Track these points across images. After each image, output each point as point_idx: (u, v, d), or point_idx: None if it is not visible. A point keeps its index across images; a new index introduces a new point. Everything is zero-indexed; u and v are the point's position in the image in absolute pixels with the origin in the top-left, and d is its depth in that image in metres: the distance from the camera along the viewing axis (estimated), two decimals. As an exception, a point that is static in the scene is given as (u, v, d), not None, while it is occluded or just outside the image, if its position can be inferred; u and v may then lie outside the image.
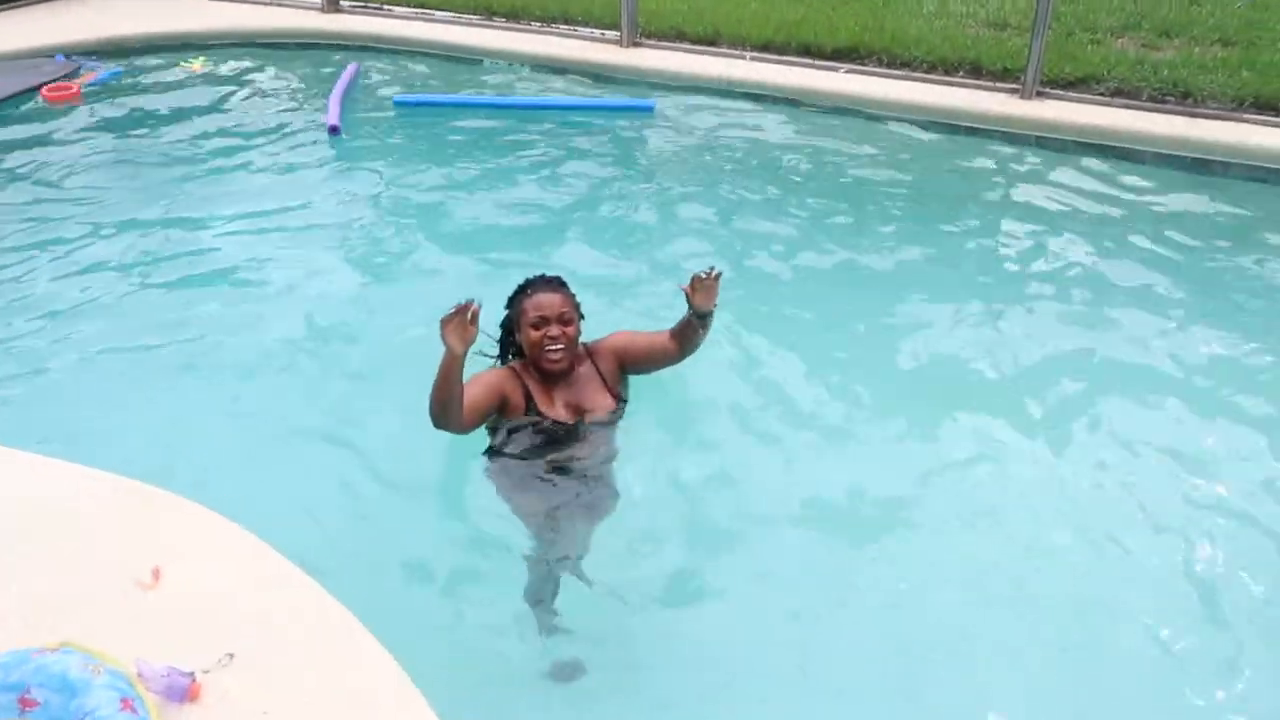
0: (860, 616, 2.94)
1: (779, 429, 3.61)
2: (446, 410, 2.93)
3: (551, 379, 3.18)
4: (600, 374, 3.27)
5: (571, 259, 4.58)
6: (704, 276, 3.11)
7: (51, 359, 3.98)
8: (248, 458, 3.43)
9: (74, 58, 7.50)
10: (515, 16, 8.50)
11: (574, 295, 3.25)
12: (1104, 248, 5.03)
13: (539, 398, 3.17)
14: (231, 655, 2.11)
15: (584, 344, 3.30)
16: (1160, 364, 4.07)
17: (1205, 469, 3.47)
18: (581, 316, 3.24)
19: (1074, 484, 3.41)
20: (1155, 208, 5.47)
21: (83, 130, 6.34)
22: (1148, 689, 2.73)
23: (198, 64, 7.55)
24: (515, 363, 3.28)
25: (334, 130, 6.37)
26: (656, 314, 3.94)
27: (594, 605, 2.89)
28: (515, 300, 3.25)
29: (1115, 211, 5.44)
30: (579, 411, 3.20)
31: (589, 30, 8.14)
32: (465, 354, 2.87)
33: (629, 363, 3.35)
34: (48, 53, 7.55)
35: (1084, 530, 3.20)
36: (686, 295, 3.15)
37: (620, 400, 3.29)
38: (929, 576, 3.05)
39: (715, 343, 3.51)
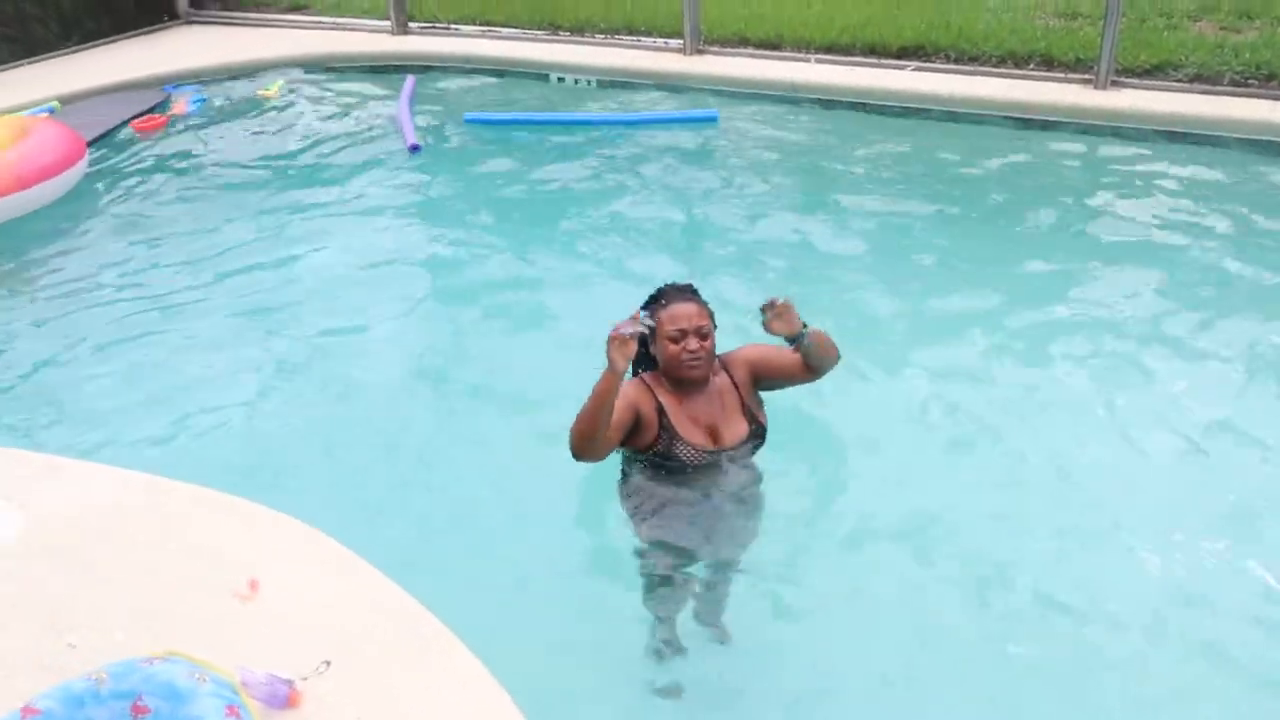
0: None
1: (881, 444, 3.55)
2: (597, 434, 2.76)
3: (685, 388, 3.00)
4: (735, 386, 3.08)
5: (651, 274, 4.54)
6: (770, 306, 2.96)
7: (142, 379, 4.14)
8: (340, 472, 3.54)
9: (180, 87, 7.81)
10: (580, 30, 8.59)
11: (708, 304, 3.06)
12: (1188, 238, 4.90)
13: (673, 413, 2.98)
14: (328, 663, 2.18)
15: (716, 356, 3.09)
16: (1255, 359, 3.98)
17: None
18: (715, 326, 3.05)
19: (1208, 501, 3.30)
20: (1240, 195, 5.31)
21: (169, 160, 6.58)
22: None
23: (274, 90, 7.79)
24: (645, 375, 3.08)
25: (414, 148, 6.50)
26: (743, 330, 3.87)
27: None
28: (649, 311, 3.01)
29: (1197, 200, 5.29)
30: (715, 435, 3.01)
31: (652, 40, 8.18)
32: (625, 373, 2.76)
33: (763, 375, 3.12)
34: (140, 85, 7.85)
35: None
36: (766, 328, 3.00)
37: (757, 424, 3.09)
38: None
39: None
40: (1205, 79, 6.44)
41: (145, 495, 2.84)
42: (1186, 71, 6.52)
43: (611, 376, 2.72)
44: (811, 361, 3.03)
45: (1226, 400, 3.73)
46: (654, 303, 3.03)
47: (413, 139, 6.56)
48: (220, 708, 1.97)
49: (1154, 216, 5.17)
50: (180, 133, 6.99)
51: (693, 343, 2.91)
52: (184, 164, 6.50)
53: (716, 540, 2.99)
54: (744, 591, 2.98)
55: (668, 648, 2.82)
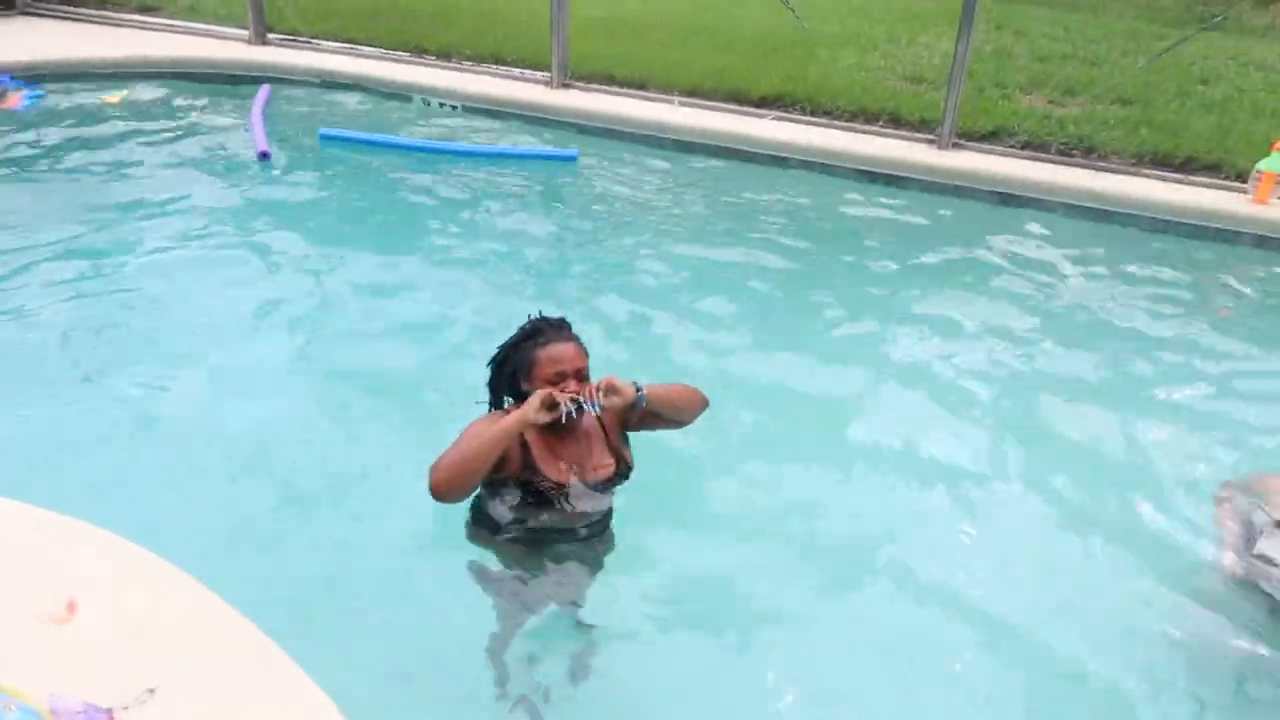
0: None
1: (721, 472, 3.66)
2: (480, 474, 2.70)
3: (554, 426, 2.82)
4: (603, 425, 3.00)
5: (503, 308, 4.48)
6: (597, 389, 2.83)
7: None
8: (166, 487, 3.35)
9: (14, 81, 7.31)
10: (446, 55, 8.56)
11: (581, 341, 2.95)
12: (1012, 295, 5.24)
13: (538, 451, 2.88)
14: (152, 691, 2.06)
15: None
16: (1070, 404, 4.27)
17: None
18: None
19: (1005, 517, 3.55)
20: (1063, 256, 5.73)
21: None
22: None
23: (117, 98, 7.37)
24: (511, 407, 2.92)
25: (264, 155, 6.31)
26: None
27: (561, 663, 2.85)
28: (524, 347, 2.91)
29: (1024, 260, 5.68)
30: (578, 472, 2.92)
31: (520, 71, 8.23)
32: None
33: (629, 417, 3.03)
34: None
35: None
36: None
37: (623, 462, 3.01)
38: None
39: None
40: (1035, 146, 6.96)
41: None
42: (1019, 139, 7.02)
43: (519, 425, 2.69)
44: (664, 417, 3.02)
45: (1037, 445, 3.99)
46: (530, 338, 2.92)
47: (263, 146, 6.37)
48: (27, 738, 1.84)
49: (985, 272, 5.50)
50: (11, 130, 6.56)
51: (572, 385, 2.82)
52: (11, 163, 6.10)
53: (552, 583, 2.92)
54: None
55: (502, 682, 2.76)
